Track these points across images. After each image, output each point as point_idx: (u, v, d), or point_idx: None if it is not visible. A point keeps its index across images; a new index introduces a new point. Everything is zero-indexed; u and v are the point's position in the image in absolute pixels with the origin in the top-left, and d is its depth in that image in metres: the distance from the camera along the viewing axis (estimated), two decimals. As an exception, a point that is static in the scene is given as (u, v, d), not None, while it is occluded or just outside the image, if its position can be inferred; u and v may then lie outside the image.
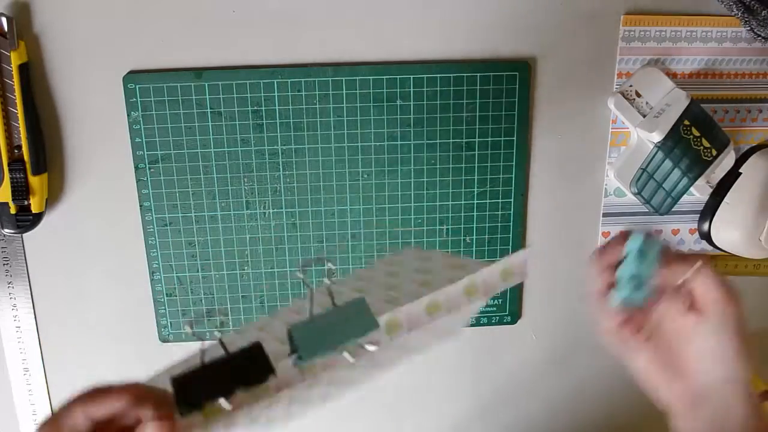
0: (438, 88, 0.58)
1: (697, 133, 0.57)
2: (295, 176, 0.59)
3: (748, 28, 0.57)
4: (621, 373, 0.69)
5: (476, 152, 0.60)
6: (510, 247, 0.62)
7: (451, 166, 0.60)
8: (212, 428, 0.32)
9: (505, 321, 0.65)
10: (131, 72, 0.56)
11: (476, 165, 0.60)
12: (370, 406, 0.68)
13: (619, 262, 0.42)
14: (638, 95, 0.58)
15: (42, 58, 0.55)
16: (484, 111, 0.59)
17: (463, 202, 0.61)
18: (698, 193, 0.60)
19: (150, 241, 0.60)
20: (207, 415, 0.32)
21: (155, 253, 0.60)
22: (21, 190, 0.55)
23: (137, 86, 0.56)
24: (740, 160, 0.61)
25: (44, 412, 0.64)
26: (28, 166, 0.55)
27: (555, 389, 0.69)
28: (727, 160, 0.59)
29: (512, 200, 0.61)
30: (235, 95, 0.57)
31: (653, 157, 0.57)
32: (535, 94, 0.59)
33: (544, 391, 0.69)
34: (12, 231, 0.57)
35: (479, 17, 0.57)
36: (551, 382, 0.69)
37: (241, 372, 0.32)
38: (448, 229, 0.61)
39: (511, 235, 0.62)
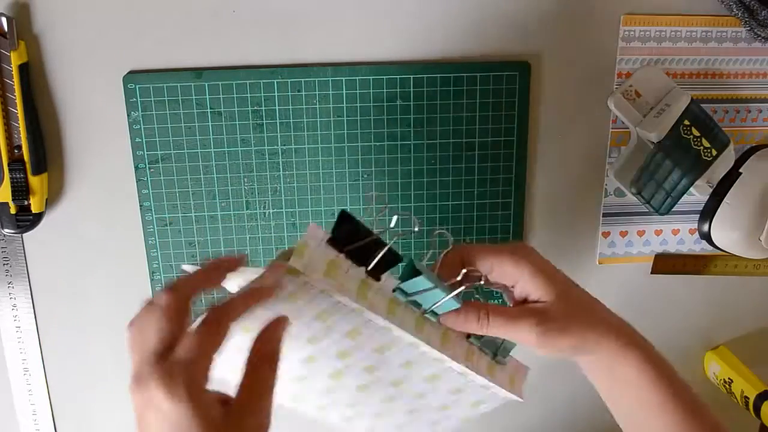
0: (438, 88, 0.58)
1: (697, 133, 0.57)
2: (295, 176, 0.59)
3: (748, 28, 0.57)
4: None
5: (476, 152, 0.60)
6: (510, 247, 0.62)
7: (451, 166, 0.60)
8: (329, 280, 0.36)
9: (505, 321, 0.65)
10: (131, 72, 0.56)
11: (476, 165, 0.60)
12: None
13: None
14: (638, 95, 0.58)
15: (42, 58, 0.55)
16: (484, 111, 0.59)
17: (463, 202, 0.61)
18: (698, 193, 0.60)
19: (150, 241, 0.60)
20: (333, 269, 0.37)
21: (155, 253, 0.60)
22: (21, 190, 0.55)
23: (137, 86, 0.56)
24: (740, 160, 0.61)
25: (44, 412, 0.64)
26: (28, 166, 0.55)
27: (555, 391, 0.69)
28: (727, 161, 0.59)
29: (512, 200, 0.61)
30: (235, 95, 0.57)
31: (653, 157, 0.57)
32: (535, 94, 0.59)
33: (545, 393, 0.69)
34: (12, 231, 0.57)
35: (479, 17, 0.57)
36: (551, 383, 0.69)
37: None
38: (448, 229, 0.61)
39: (511, 235, 0.62)
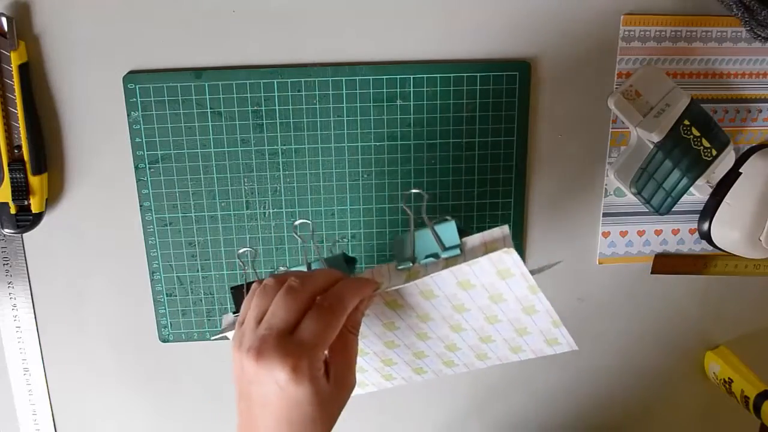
0: (438, 88, 0.58)
1: (697, 133, 0.57)
2: (295, 176, 0.59)
3: (748, 28, 0.57)
4: (616, 372, 0.69)
5: (476, 152, 0.60)
6: (510, 247, 0.62)
7: (451, 166, 0.60)
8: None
9: (505, 321, 0.65)
10: (131, 72, 0.56)
11: (476, 165, 0.60)
12: (368, 403, 0.68)
13: None
14: (638, 95, 0.58)
15: (42, 58, 0.55)
16: (484, 111, 0.59)
17: (463, 202, 0.61)
18: (698, 193, 0.60)
19: (150, 241, 0.60)
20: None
21: (155, 253, 0.60)
22: (21, 190, 0.55)
23: (137, 86, 0.56)
24: (740, 160, 0.61)
25: (44, 412, 0.64)
26: (28, 166, 0.55)
27: (551, 387, 0.69)
28: (727, 160, 0.59)
29: (512, 200, 0.61)
30: (235, 95, 0.57)
31: (653, 157, 0.57)
32: (535, 94, 0.59)
33: (540, 388, 0.69)
34: (12, 231, 0.57)
35: (479, 17, 0.57)
36: (547, 379, 0.69)
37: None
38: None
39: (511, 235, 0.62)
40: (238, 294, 0.49)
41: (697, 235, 0.64)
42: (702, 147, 0.57)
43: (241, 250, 0.59)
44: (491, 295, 0.45)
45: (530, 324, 0.47)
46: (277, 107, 0.57)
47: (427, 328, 0.48)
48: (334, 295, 0.40)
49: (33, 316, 0.61)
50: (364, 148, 0.59)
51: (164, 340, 0.63)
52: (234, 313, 0.50)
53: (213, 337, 0.51)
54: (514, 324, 0.47)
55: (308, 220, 0.58)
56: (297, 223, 0.51)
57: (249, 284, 0.48)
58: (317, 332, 0.38)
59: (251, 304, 0.41)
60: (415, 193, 0.47)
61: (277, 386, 0.37)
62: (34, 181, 0.55)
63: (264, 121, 0.57)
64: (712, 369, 0.68)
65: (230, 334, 0.48)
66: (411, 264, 0.45)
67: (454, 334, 0.49)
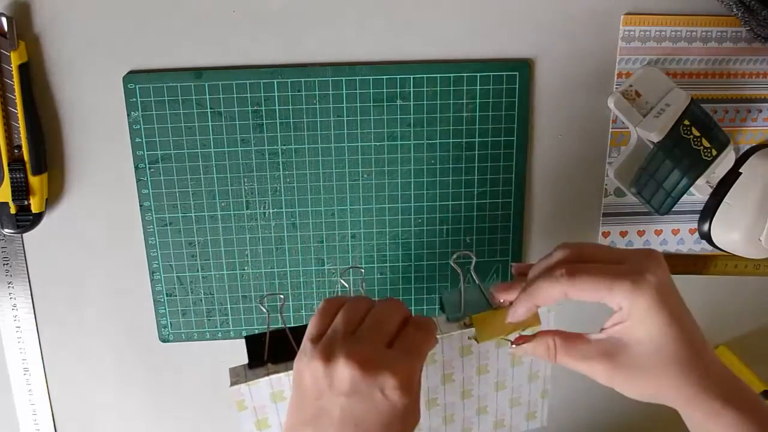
0: (438, 88, 0.58)
1: (697, 133, 0.57)
2: (295, 176, 0.59)
3: (748, 28, 0.57)
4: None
5: (476, 152, 0.60)
6: (510, 247, 0.62)
7: (451, 166, 0.60)
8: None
9: (505, 321, 0.65)
10: (131, 72, 0.56)
11: (476, 165, 0.60)
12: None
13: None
14: (638, 95, 0.58)
15: (42, 58, 0.55)
16: (484, 111, 0.59)
17: (463, 202, 0.61)
18: (698, 193, 0.60)
19: (150, 241, 0.60)
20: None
21: (155, 253, 0.60)
22: (21, 190, 0.55)
23: (137, 86, 0.56)
24: (740, 160, 0.61)
25: (44, 412, 0.64)
26: (28, 166, 0.55)
27: (554, 389, 0.69)
28: (727, 160, 0.59)
29: (512, 200, 0.61)
30: (235, 95, 0.57)
31: (653, 157, 0.57)
32: (535, 94, 0.59)
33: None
34: (12, 231, 0.57)
35: (479, 17, 0.57)
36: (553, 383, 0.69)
37: None
38: (448, 229, 0.61)
39: (511, 235, 0.62)
40: (257, 344, 0.46)
41: (697, 235, 0.64)
42: (702, 147, 0.57)
43: (280, 297, 0.54)
44: (514, 357, 0.50)
45: (526, 394, 0.52)
46: (277, 107, 0.57)
47: (443, 390, 0.50)
48: (421, 317, 0.40)
49: (33, 316, 0.61)
50: (364, 148, 0.59)
51: (164, 340, 0.63)
52: (249, 366, 0.46)
53: (230, 386, 0.46)
54: (515, 392, 0.51)
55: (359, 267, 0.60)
56: (344, 268, 0.54)
57: (273, 333, 0.45)
58: (421, 344, 0.38)
59: (343, 312, 0.38)
60: (463, 253, 0.50)
61: (380, 394, 0.35)
62: (34, 181, 0.55)
63: (264, 121, 0.57)
64: (712, 369, 0.68)
65: (242, 387, 0.45)
66: (461, 319, 0.47)
67: (458, 402, 0.51)
